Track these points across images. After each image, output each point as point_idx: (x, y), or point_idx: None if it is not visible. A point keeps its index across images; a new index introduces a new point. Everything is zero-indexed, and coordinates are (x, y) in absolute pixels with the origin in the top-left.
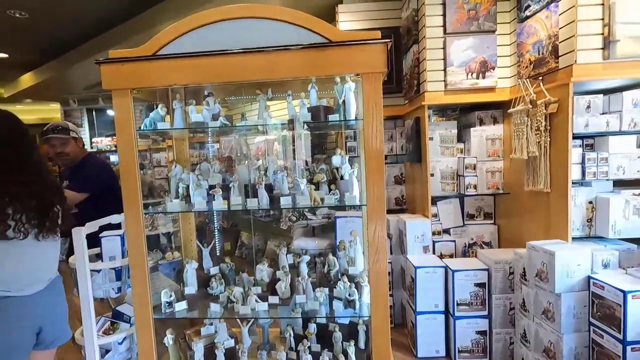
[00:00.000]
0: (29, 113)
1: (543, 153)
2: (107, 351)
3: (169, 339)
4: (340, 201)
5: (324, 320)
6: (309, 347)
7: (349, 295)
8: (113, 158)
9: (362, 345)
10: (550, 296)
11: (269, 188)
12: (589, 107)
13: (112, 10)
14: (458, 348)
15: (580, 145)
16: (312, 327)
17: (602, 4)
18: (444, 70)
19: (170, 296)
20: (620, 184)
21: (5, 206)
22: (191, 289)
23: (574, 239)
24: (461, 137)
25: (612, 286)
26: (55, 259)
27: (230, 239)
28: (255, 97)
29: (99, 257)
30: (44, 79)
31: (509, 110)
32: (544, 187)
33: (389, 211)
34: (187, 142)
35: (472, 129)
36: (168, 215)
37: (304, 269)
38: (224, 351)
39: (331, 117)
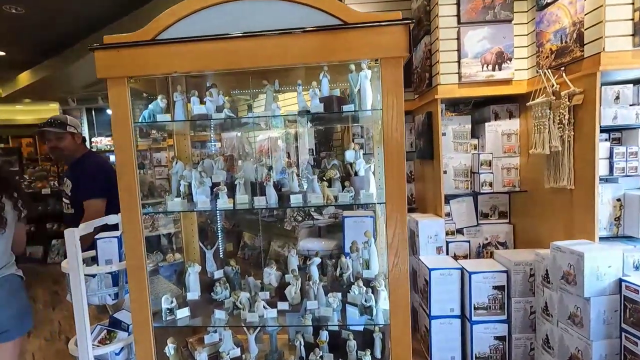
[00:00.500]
0: (27, 113)
1: (567, 148)
2: None
3: (170, 349)
4: (355, 199)
5: (336, 328)
6: (321, 357)
7: (365, 301)
8: (113, 158)
9: (378, 354)
10: (578, 300)
11: (276, 186)
12: (617, 98)
13: (110, 5)
14: (475, 354)
15: (607, 139)
16: (324, 335)
17: None
18: (458, 62)
19: (172, 302)
20: None
21: None
22: (194, 294)
23: (600, 239)
24: (475, 133)
25: None
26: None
27: (232, 240)
28: (262, 90)
29: (94, 260)
30: (42, 77)
31: (528, 103)
32: (568, 183)
33: None
34: (189, 139)
35: (486, 123)
36: (169, 215)
37: (315, 272)
38: None
39: (345, 108)
